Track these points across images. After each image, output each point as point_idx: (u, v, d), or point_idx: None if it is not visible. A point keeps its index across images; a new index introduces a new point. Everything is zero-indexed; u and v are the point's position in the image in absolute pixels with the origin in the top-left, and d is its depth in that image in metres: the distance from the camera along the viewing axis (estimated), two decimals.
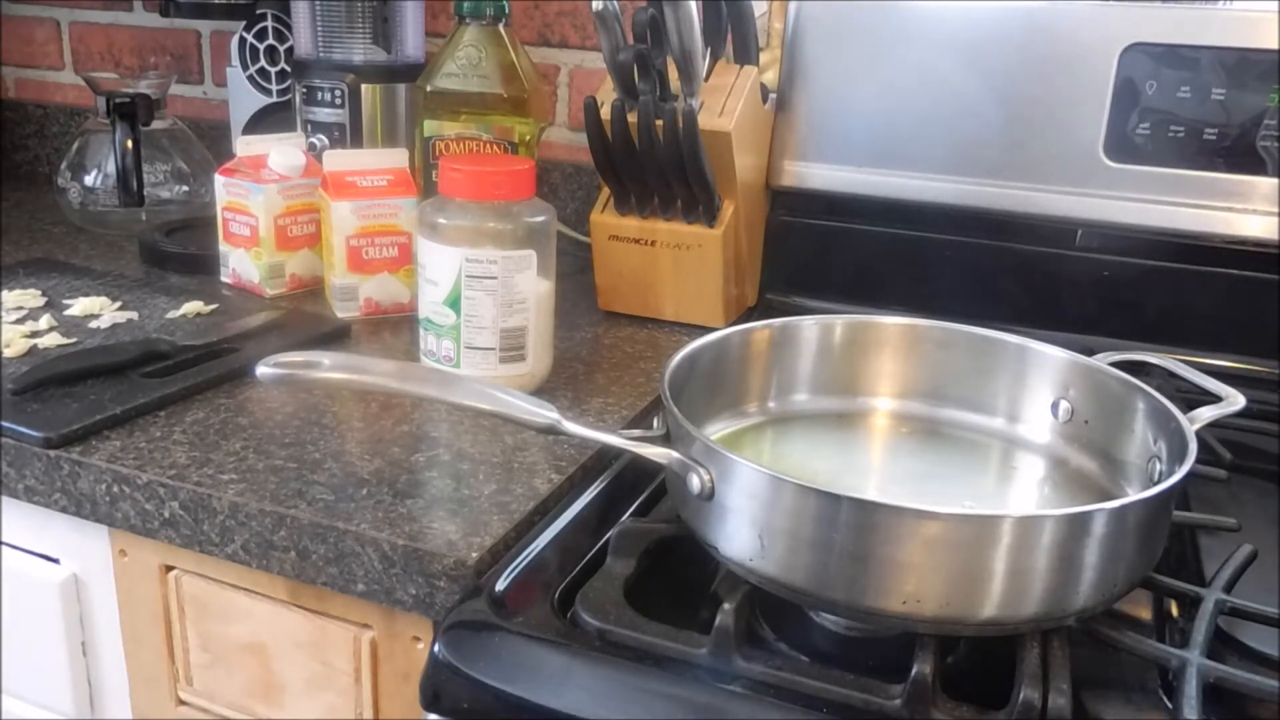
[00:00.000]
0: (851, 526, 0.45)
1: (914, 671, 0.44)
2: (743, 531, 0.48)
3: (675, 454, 0.50)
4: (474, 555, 0.55)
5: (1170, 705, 0.46)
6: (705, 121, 0.83)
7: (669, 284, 0.91)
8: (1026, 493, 0.61)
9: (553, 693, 0.47)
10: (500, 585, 0.52)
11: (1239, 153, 0.81)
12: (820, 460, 0.62)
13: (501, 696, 0.47)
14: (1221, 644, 0.49)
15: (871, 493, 0.53)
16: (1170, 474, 0.48)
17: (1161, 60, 0.82)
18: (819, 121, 0.93)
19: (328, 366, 0.58)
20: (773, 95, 0.94)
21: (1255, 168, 0.81)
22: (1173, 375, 0.66)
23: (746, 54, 0.90)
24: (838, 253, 0.96)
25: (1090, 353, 0.67)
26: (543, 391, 0.76)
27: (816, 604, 0.48)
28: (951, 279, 0.92)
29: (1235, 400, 0.60)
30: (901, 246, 0.93)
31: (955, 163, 0.89)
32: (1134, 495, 0.47)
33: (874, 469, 0.63)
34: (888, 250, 0.94)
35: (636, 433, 0.54)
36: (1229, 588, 0.51)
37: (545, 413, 0.44)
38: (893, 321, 0.67)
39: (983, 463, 0.63)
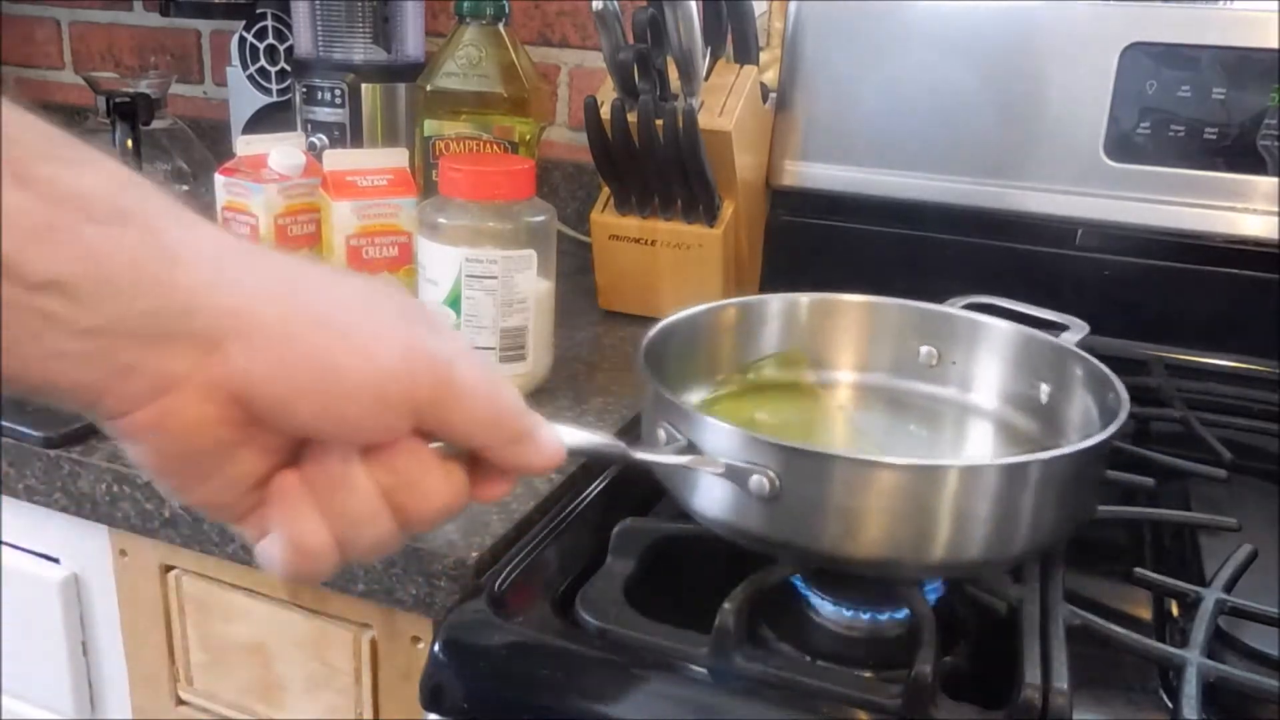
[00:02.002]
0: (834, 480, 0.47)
1: (914, 671, 0.44)
2: (722, 489, 0.49)
3: (731, 462, 0.48)
4: (474, 555, 0.55)
5: (1170, 705, 0.46)
6: (705, 121, 0.83)
7: (669, 283, 0.91)
8: (976, 451, 0.64)
9: (552, 693, 0.47)
10: (500, 585, 0.52)
11: (1239, 152, 0.81)
12: (792, 426, 0.64)
13: (501, 696, 0.47)
14: (1221, 644, 0.49)
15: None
16: (1106, 426, 0.50)
17: (1161, 60, 0.82)
18: (819, 121, 0.93)
19: None
20: (773, 95, 0.94)
21: (1255, 167, 0.81)
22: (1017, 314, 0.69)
23: (746, 53, 0.90)
24: (838, 252, 0.96)
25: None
26: (543, 391, 0.76)
27: (783, 552, 0.49)
28: (951, 279, 0.91)
29: (1080, 327, 0.65)
30: (902, 246, 0.93)
31: (955, 162, 0.89)
32: (1064, 448, 0.49)
33: (838, 435, 0.66)
34: (888, 250, 0.94)
35: (674, 447, 0.51)
36: (1229, 588, 0.51)
37: (613, 443, 0.44)
38: (853, 299, 0.69)
39: (936, 427, 0.66)
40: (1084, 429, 0.57)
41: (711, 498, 0.50)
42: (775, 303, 0.69)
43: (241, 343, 0.30)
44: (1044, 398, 0.62)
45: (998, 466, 0.49)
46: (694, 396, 0.64)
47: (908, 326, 0.68)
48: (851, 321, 0.69)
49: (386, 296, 0.34)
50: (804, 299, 0.69)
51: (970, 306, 0.67)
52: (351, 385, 0.31)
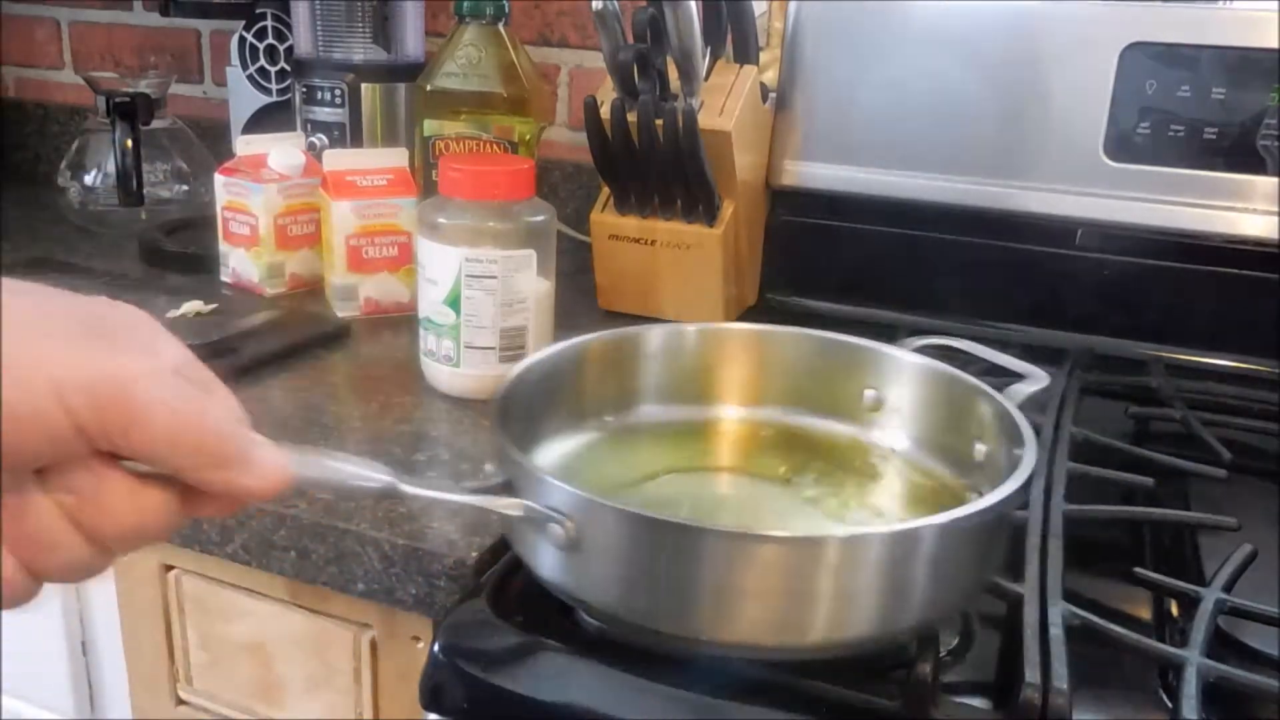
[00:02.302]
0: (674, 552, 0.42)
1: (913, 671, 0.44)
2: (611, 576, 0.45)
3: (528, 504, 0.44)
4: (474, 555, 0.55)
5: (1170, 705, 0.46)
6: (705, 121, 0.83)
7: (669, 283, 0.91)
8: (877, 500, 0.57)
9: (553, 693, 0.47)
10: (500, 585, 0.52)
11: (1239, 152, 0.81)
12: (668, 477, 0.58)
13: (501, 696, 0.47)
14: (1221, 644, 0.49)
15: (713, 511, 0.52)
16: (1004, 484, 0.45)
17: (1161, 60, 0.82)
18: (819, 121, 0.93)
19: None
20: (773, 95, 0.94)
21: (1255, 167, 0.81)
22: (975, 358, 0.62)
23: (746, 53, 0.90)
24: (838, 252, 0.96)
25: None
26: None
27: (640, 634, 0.45)
28: (951, 278, 0.92)
29: (1039, 379, 0.57)
30: (902, 246, 0.93)
31: (955, 162, 0.89)
32: (963, 509, 0.44)
33: (721, 483, 0.60)
34: (888, 250, 0.94)
35: (471, 485, 0.47)
36: (1229, 587, 0.51)
37: (377, 476, 0.38)
38: (738, 327, 0.64)
39: (833, 469, 0.59)
40: (991, 472, 0.52)
41: (549, 564, 0.46)
42: (657, 335, 0.63)
43: None
44: (977, 455, 0.55)
45: (882, 535, 0.43)
46: (569, 440, 0.59)
47: (820, 361, 0.62)
48: (748, 355, 0.63)
49: (54, 311, 0.32)
50: (689, 330, 0.64)
51: (927, 348, 0.61)
52: (6, 414, 0.29)
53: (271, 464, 0.35)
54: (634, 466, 0.58)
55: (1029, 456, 0.47)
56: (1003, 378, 0.58)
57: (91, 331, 0.31)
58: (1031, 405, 0.55)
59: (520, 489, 0.45)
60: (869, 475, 0.59)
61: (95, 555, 0.33)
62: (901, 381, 0.60)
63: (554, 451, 0.58)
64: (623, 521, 0.43)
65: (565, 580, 0.46)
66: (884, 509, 0.57)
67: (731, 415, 0.63)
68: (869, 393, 0.61)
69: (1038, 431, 0.53)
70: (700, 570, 0.42)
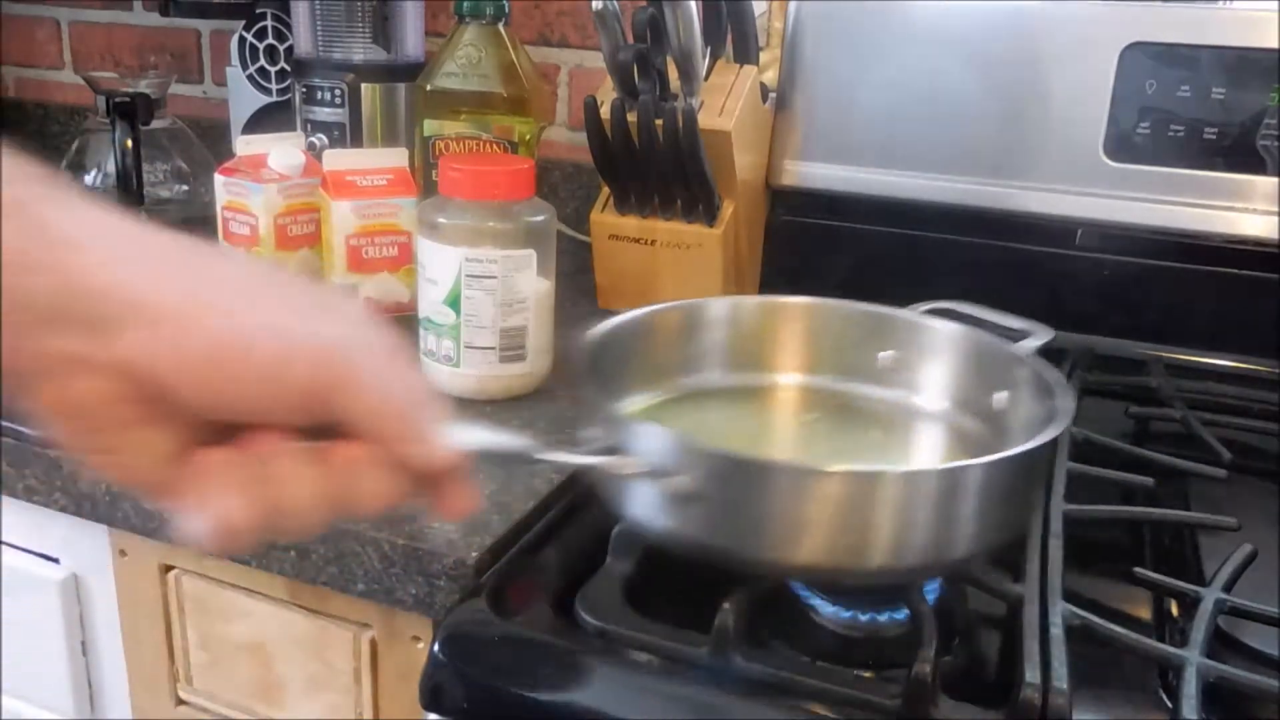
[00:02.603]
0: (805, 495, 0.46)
1: (913, 671, 0.44)
2: (723, 518, 0.47)
3: (648, 462, 0.47)
4: (474, 555, 0.55)
5: (1170, 705, 0.46)
6: (705, 121, 0.83)
7: (669, 283, 0.91)
8: (921, 456, 0.63)
9: (553, 693, 0.47)
10: (500, 585, 0.52)
11: (1239, 152, 0.81)
12: (733, 435, 0.64)
13: (501, 696, 0.47)
14: (1221, 644, 0.49)
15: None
16: (1046, 428, 0.49)
17: (1161, 60, 0.82)
18: (819, 121, 0.93)
19: None
20: (773, 95, 0.94)
21: (1255, 167, 0.81)
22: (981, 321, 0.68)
23: (746, 53, 0.90)
24: (838, 252, 0.96)
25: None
26: (542, 391, 0.76)
27: (723, 560, 0.48)
28: (951, 278, 0.91)
29: (1045, 333, 0.63)
30: (901, 246, 0.93)
31: (955, 162, 0.89)
32: (1003, 452, 0.48)
33: (784, 440, 0.65)
34: (888, 250, 0.94)
35: (590, 448, 0.50)
36: (1229, 587, 0.51)
37: (516, 441, 0.42)
38: (797, 301, 0.69)
39: (883, 431, 0.65)
40: (1028, 434, 0.55)
41: (641, 503, 0.49)
42: (718, 306, 0.68)
43: (133, 326, 0.31)
44: (996, 404, 0.60)
45: (937, 471, 0.49)
46: (638, 401, 0.63)
47: (858, 329, 0.67)
48: (799, 324, 0.68)
49: (279, 282, 0.35)
50: (750, 301, 0.69)
51: (932, 312, 0.67)
52: (232, 372, 0.32)
53: (440, 439, 0.37)
54: (703, 424, 0.63)
55: (1063, 404, 0.51)
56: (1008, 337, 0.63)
57: (318, 306, 0.35)
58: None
59: (633, 448, 0.48)
60: (914, 433, 0.65)
61: (326, 521, 0.35)
62: (931, 345, 0.65)
63: (631, 409, 0.62)
64: (729, 465, 0.47)
65: (674, 525, 0.48)
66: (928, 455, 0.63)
67: (790, 381, 0.68)
68: (884, 355, 0.66)
69: None
70: (788, 502, 0.46)
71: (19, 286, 0.30)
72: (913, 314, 0.66)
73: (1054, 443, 0.49)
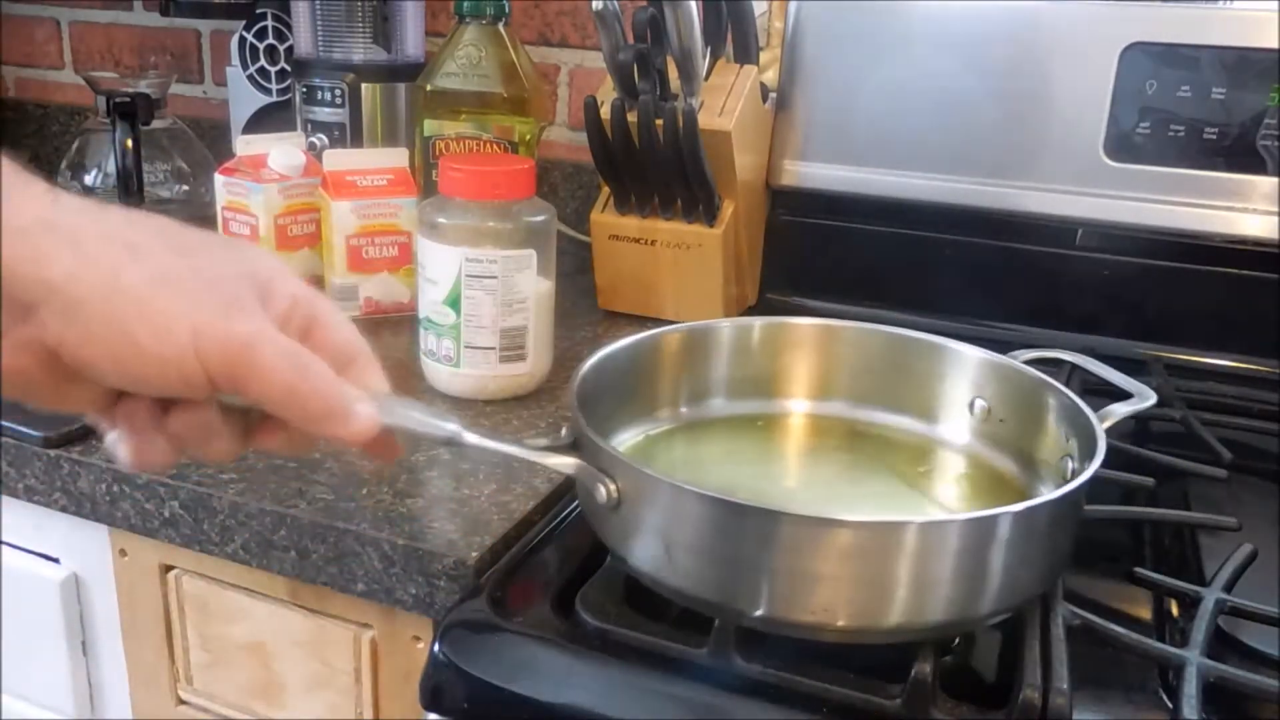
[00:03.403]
0: (753, 535, 0.44)
1: (913, 671, 0.44)
2: (648, 541, 0.47)
3: (581, 463, 0.48)
4: (474, 555, 0.55)
5: (1170, 705, 0.46)
6: (705, 121, 0.83)
7: (669, 283, 0.91)
8: (942, 495, 0.59)
9: (553, 693, 0.47)
10: (500, 585, 0.52)
11: (1239, 152, 0.81)
12: (734, 466, 0.61)
13: (501, 696, 0.47)
14: (1221, 644, 0.49)
15: (780, 499, 0.52)
16: (1080, 472, 0.47)
17: (1161, 60, 0.82)
18: (819, 121, 0.93)
19: None
20: (773, 95, 0.94)
21: (1255, 167, 0.81)
22: (1087, 372, 0.65)
23: (746, 53, 0.90)
24: (838, 252, 0.96)
25: (1092, 352, 0.67)
26: (542, 391, 0.76)
27: (723, 615, 0.46)
28: (951, 279, 0.92)
29: (1145, 396, 0.59)
30: (901, 246, 0.93)
31: (955, 162, 0.89)
32: (1039, 498, 0.46)
33: (789, 474, 0.62)
34: (888, 250, 0.94)
35: (542, 443, 0.51)
36: (1229, 587, 0.51)
37: (445, 425, 0.42)
38: (807, 323, 0.65)
39: (900, 464, 0.61)
40: (1058, 469, 0.55)
41: (646, 550, 0.48)
42: (723, 329, 0.65)
43: (52, 312, 0.34)
44: (1017, 433, 0.58)
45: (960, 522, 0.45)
46: (635, 433, 0.61)
47: (872, 353, 0.64)
48: (809, 348, 0.65)
49: (208, 270, 0.37)
50: (756, 323, 0.66)
51: (1037, 361, 0.61)
52: (149, 359, 0.35)
53: (365, 416, 0.40)
54: (704, 454, 0.61)
55: (1100, 443, 0.49)
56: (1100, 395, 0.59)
57: (228, 296, 0.37)
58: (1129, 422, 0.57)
59: (582, 453, 0.48)
60: (934, 467, 0.61)
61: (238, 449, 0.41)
62: (967, 377, 0.62)
63: (626, 439, 0.61)
64: (686, 499, 0.45)
65: (663, 574, 0.47)
66: (951, 500, 0.58)
67: (799, 409, 0.65)
68: (980, 403, 0.61)
69: None
70: (774, 553, 0.44)
71: None
72: (931, 337, 0.63)
73: (1086, 486, 0.46)
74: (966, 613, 0.45)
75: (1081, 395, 0.55)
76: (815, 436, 0.64)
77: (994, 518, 0.44)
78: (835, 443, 0.63)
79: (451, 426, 0.43)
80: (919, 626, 0.45)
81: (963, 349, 0.62)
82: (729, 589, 0.45)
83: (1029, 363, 0.60)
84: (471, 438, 0.44)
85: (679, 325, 0.64)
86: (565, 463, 0.48)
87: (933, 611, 0.44)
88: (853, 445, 0.63)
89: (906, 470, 0.60)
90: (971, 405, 0.61)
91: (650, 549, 0.47)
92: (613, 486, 0.47)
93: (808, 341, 0.65)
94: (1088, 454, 0.49)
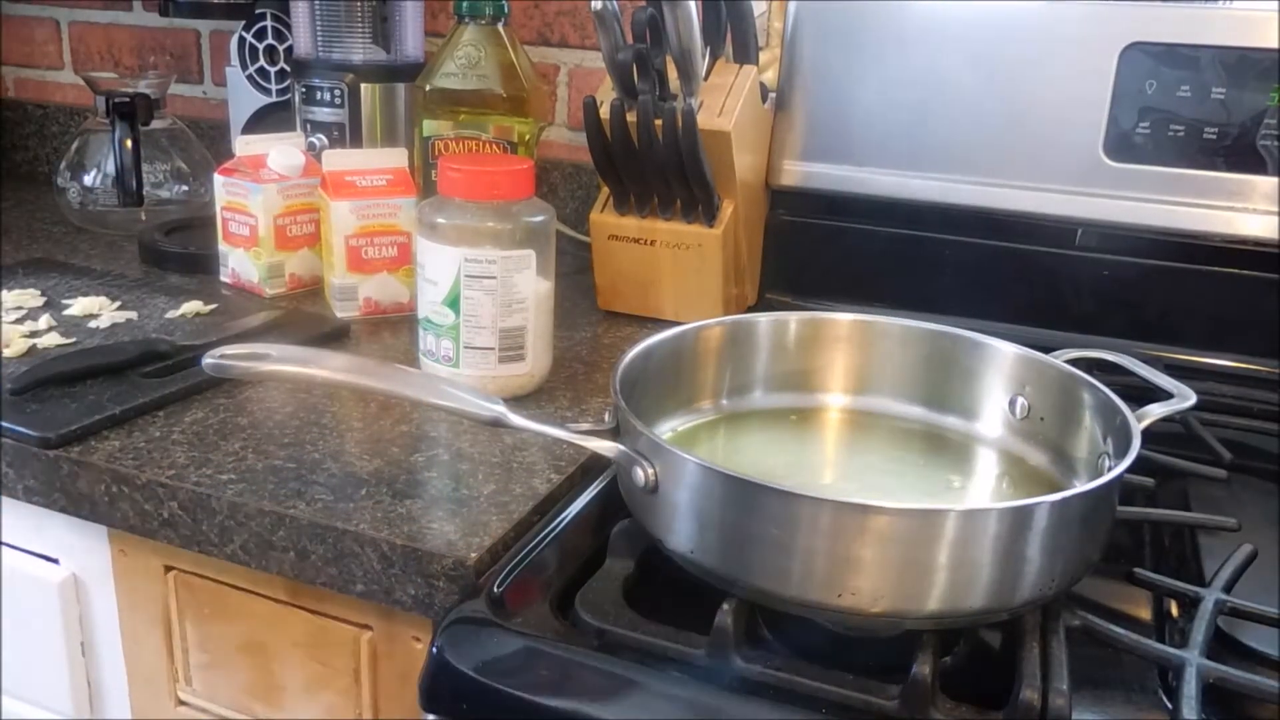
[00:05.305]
0: (789, 520, 0.45)
1: (913, 671, 0.44)
2: (685, 524, 0.49)
3: (621, 447, 0.51)
4: (473, 555, 0.55)
5: (1170, 705, 0.46)
6: (704, 121, 0.83)
7: (669, 283, 0.91)
8: (978, 488, 0.61)
9: (552, 693, 0.47)
10: (500, 585, 0.52)
11: (1239, 152, 0.81)
12: (772, 457, 0.62)
13: (501, 696, 0.47)
14: (1221, 644, 0.49)
15: (818, 488, 0.54)
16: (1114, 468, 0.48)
17: (1161, 60, 0.82)
18: (819, 121, 0.93)
19: (275, 359, 0.58)
20: (772, 95, 0.94)
21: (1255, 167, 0.81)
22: (1128, 372, 0.66)
23: (746, 53, 0.90)
24: (838, 252, 0.96)
25: (1099, 358, 0.67)
26: (542, 391, 0.76)
27: (755, 597, 0.48)
28: (951, 279, 0.92)
29: (1186, 396, 0.60)
30: (901, 246, 0.93)
31: (955, 162, 0.89)
32: (1074, 489, 0.47)
33: (826, 465, 0.64)
34: (888, 250, 0.94)
35: (585, 426, 0.54)
36: (1229, 588, 0.51)
37: (492, 406, 0.45)
38: (846, 318, 0.67)
39: (937, 459, 0.62)
40: (1094, 467, 0.55)
41: (682, 532, 0.49)
42: (762, 323, 0.66)
43: None
44: (1053, 428, 0.59)
45: (998, 510, 0.46)
46: (675, 424, 0.63)
47: (911, 348, 0.65)
48: (848, 343, 0.66)
49: None
50: (794, 318, 0.67)
51: (1078, 361, 0.63)
52: None
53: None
54: (743, 444, 0.63)
55: (1136, 438, 0.50)
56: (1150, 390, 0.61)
57: None
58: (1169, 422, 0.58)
59: (623, 438, 0.50)
60: (972, 463, 0.62)
61: None
62: (1007, 374, 0.62)
63: (666, 429, 0.63)
64: (768, 498, 0.45)
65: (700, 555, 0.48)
66: (987, 495, 0.59)
67: (838, 403, 0.67)
68: (1020, 400, 0.62)
69: None
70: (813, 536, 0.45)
71: None
72: (971, 333, 0.64)
73: (1120, 479, 0.48)
74: (1003, 600, 0.46)
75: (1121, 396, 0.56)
76: (853, 430, 0.65)
77: (1031, 507, 0.45)
78: (873, 436, 0.64)
79: (498, 408, 0.45)
80: (960, 612, 0.46)
81: (1002, 346, 0.63)
82: (763, 571, 0.46)
83: (1070, 362, 0.61)
84: (516, 419, 0.47)
85: (720, 319, 0.66)
86: (606, 446, 0.51)
87: (973, 598, 0.45)
88: (891, 440, 0.64)
89: (944, 464, 0.61)
90: (1012, 403, 0.62)
91: (684, 531, 0.48)
92: (651, 470, 0.49)
93: (847, 336, 0.66)
94: (1122, 453, 0.50)
